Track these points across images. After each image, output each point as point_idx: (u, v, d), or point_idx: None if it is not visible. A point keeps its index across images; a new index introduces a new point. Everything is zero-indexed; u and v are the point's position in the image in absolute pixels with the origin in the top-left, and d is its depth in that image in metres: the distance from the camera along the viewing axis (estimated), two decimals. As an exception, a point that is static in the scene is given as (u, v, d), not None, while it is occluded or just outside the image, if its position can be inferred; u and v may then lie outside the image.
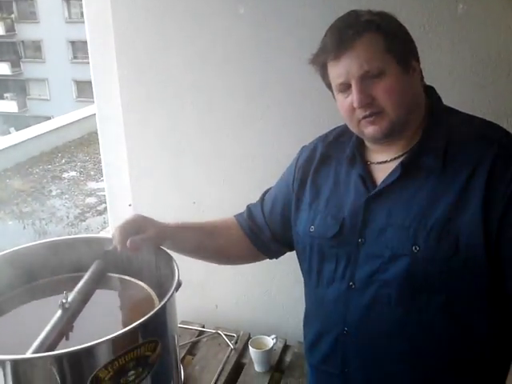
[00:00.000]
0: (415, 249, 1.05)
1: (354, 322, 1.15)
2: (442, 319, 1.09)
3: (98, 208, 5.94)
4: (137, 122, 2.09)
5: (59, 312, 1.04)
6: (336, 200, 1.20)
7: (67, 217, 5.93)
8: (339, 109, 1.15)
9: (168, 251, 1.22)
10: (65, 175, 7.11)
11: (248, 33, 1.85)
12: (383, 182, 1.13)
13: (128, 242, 1.13)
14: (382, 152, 1.16)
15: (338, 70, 1.09)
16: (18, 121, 21.46)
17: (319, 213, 1.22)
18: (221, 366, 1.86)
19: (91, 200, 6.26)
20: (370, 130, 1.10)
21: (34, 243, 1.24)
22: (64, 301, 1.05)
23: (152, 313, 0.96)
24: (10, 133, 17.37)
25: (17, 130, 16.31)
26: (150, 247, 1.20)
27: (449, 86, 1.75)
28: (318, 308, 1.24)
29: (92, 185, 6.73)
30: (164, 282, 1.19)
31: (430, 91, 1.17)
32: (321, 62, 1.14)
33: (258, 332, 2.06)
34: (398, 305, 1.09)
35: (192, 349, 1.99)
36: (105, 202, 5.97)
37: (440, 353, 1.11)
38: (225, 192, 2.06)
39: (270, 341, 1.89)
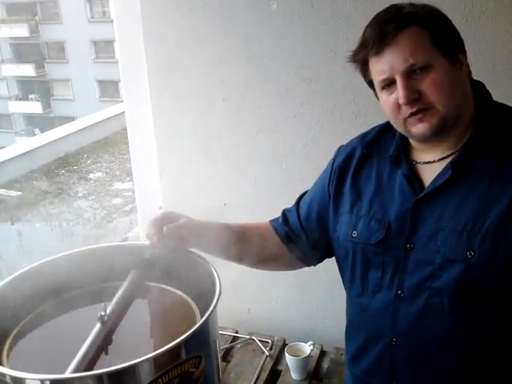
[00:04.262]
0: (470, 254, 0.99)
1: (403, 332, 1.08)
2: (498, 329, 1.02)
3: (125, 209, 5.95)
4: (167, 121, 2.05)
5: (98, 325, 1.00)
6: (380, 203, 1.13)
7: (94, 218, 5.95)
8: (383, 107, 1.09)
9: (205, 257, 1.18)
10: (91, 176, 7.15)
11: (281, 28, 1.79)
12: (432, 183, 1.06)
13: (164, 228, 1.14)
14: (428, 151, 1.09)
15: (381, 66, 1.03)
16: (43, 121, 21.78)
17: (362, 217, 1.15)
18: (256, 374, 1.81)
19: (117, 201, 6.27)
20: (418, 128, 1.03)
21: (68, 252, 1.20)
22: (103, 313, 1.01)
23: (195, 328, 0.92)
24: (34, 134, 17.64)
25: (41, 130, 16.54)
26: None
27: (492, 80, 1.66)
28: (363, 317, 1.17)
29: (118, 185, 6.75)
30: (203, 291, 1.15)
31: (478, 87, 1.10)
32: (361, 59, 1.08)
33: (292, 337, 2.00)
34: (451, 314, 1.02)
35: (226, 355, 1.94)
36: (131, 203, 5.98)
37: (494, 364, 1.05)
38: (256, 193, 2.01)
39: (306, 347, 1.83)
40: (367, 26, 1.07)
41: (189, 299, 1.14)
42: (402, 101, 1.01)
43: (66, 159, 7.18)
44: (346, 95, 1.80)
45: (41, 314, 1.11)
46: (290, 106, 1.86)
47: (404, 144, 1.13)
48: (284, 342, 1.99)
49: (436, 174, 1.06)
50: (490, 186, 1.00)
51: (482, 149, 1.02)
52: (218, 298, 1.00)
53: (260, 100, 1.89)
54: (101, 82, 22.22)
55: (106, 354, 1.00)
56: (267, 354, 1.91)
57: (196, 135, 2.03)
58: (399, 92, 1.01)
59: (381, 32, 1.02)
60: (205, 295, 1.13)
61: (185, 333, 0.92)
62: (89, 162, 7.47)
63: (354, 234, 1.14)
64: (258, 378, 1.80)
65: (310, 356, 1.83)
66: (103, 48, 21.81)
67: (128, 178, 6.87)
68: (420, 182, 1.09)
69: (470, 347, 1.03)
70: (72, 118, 17.40)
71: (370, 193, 1.15)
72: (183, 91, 1.98)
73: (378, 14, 1.07)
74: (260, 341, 1.98)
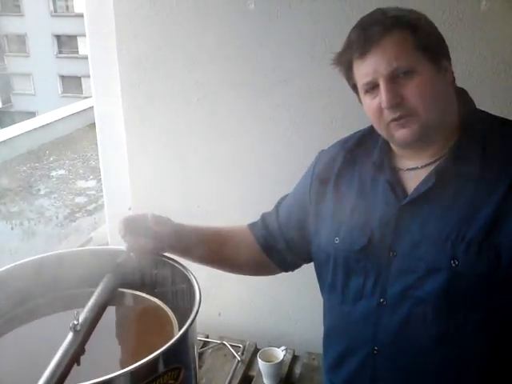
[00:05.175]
0: (454, 263, 0.98)
1: (386, 340, 1.07)
2: (481, 337, 1.01)
3: (88, 208, 5.79)
4: (138, 120, 1.99)
5: (70, 335, 0.94)
6: (362, 209, 1.12)
7: (56, 217, 5.76)
8: (366, 111, 1.08)
9: (181, 262, 1.14)
10: (53, 174, 6.93)
11: (258, 29, 1.76)
12: (416, 190, 1.05)
13: (149, 215, 1.13)
14: (411, 158, 1.08)
15: (365, 69, 1.02)
16: (3, 116, 21.11)
17: (344, 223, 1.13)
18: (228, 379, 1.77)
19: (81, 199, 6.09)
20: (400, 134, 1.02)
21: (37, 257, 1.13)
22: (76, 322, 0.95)
23: (175, 339, 0.88)
24: (-6, 128, 17.03)
25: (1, 125, 16.01)
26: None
27: (468, 87, 1.68)
28: (343, 325, 1.16)
29: (81, 183, 6.56)
30: (180, 298, 1.11)
31: (462, 94, 1.10)
32: (345, 62, 1.07)
33: (264, 341, 1.98)
34: (434, 322, 1.01)
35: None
36: (95, 202, 5.83)
37: (478, 372, 1.04)
38: (231, 195, 1.97)
39: (279, 353, 1.81)
40: (352, 29, 1.06)
41: (165, 307, 1.10)
42: (384, 105, 1.00)
43: (27, 156, 6.94)
44: (322, 98, 1.78)
45: (7, 322, 1.04)
46: (266, 107, 1.84)
47: (387, 150, 1.12)
48: (255, 346, 1.96)
49: (420, 181, 1.05)
50: (474, 193, 1.00)
51: (465, 156, 1.02)
52: (199, 307, 0.96)
53: (235, 101, 1.86)
54: (63, 78, 21.72)
55: (79, 364, 0.94)
56: (239, 358, 1.87)
57: (169, 136, 1.98)
58: (382, 96, 1.00)
59: (365, 35, 1.01)
60: (182, 302, 1.10)
61: (162, 342, 0.88)
62: (51, 159, 7.24)
63: (336, 240, 1.12)
64: (229, 384, 1.77)
65: (282, 361, 1.81)
66: (66, 43, 21.32)
67: (92, 177, 6.70)
68: (403, 188, 1.08)
69: (452, 355, 1.03)
70: (33, 114, 16.93)
71: (352, 199, 1.13)
72: (156, 90, 1.93)
73: (363, 17, 1.05)
74: (231, 345, 1.94)
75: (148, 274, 1.16)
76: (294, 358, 1.93)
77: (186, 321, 0.95)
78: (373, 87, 1.02)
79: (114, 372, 0.80)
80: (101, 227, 4.09)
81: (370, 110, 1.05)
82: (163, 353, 0.85)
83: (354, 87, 1.09)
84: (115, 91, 1.99)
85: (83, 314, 1.00)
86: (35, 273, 1.10)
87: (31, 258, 1.12)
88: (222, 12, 1.77)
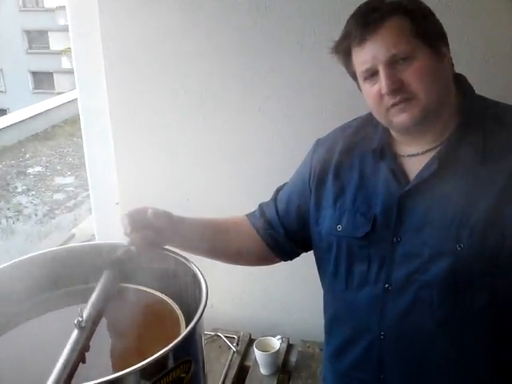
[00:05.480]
0: (459, 247, 0.99)
1: (392, 325, 1.07)
2: (487, 318, 1.03)
3: (68, 204, 5.71)
4: (125, 113, 1.96)
5: (75, 332, 0.92)
6: (364, 196, 1.12)
7: (35, 214, 5.67)
8: (366, 98, 1.08)
9: (186, 256, 1.13)
10: (30, 171, 6.81)
11: (247, 20, 1.74)
12: (418, 175, 1.06)
13: (149, 211, 1.11)
14: (412, 144, 1.09)
15: (364, 56, 1.02)
16: (-28, 114, 20.60)
17: (346, 210, 1.13)
18: (225, 371, 1.77)
19: (59, 196, 6.00)
20: (400, 119, 1.02)
21: (32, 254, 1.11)
22: (80, 319, 0.93)
23: (186, 332, 0.87)
24: (-36, 126, 16.63)
25: (-29, 123, 15.63)
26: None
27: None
28: (348, 312, 1.16)
29: (59, 180, 6.47)
30: (183, 290, 1.10)
31: (460, 80, 1.11)
32: (344, 50, 1.07)
33: (258, 331, 1.98)
34: (440, 305, 1.02)
35: (192, 353, 1.89)
36: (74, 198, 5.76)
37: (484, 354, 1.05)
38: (220, 188, 1.96)
39: (275, 342, 1.81)
40: (350, 17, 1.06)
41: (169, 300, 1.09)
42: (384, 90, 1.00)
43: (2, 153, 6.81)
44: (312, 89, 1.77)
45: (10, 319, 1.02)
46: (256, 98, 1.82)
47: (387, 137, 1.13)
48: (250, 336, 1.97)
49: (421, 167, 1.06)
50: (476, 178, 1.01)
51: (466, 140, 1.03)
52: (207, 298, 0.95)
53: (224, 93, 1.84)
54: (34, 74, 21.27)
55: (84, 362, 0.92)
56: (234, 349, 1.87)
57: (156, 129, 1.95)
58: (382, 81, 1.00)
59: (363, 22, 1.01)
60: (185, 295, 1.09)
61: (168, 336, 0.87)
62: (27, 156, 7.12)
63: (339, 227, 1.13)
64: (226, 375, 1.76)
65: (279, 350, 1.81)
66: (37, 38, 20.86)
67: (69, 173, 6.62)
68: (405, 175, 1.08)
69: (458, 337, 1.04)
70: (4, 110, 16.60)
71: (353, 186, 1.14)
72: (143, 83, 1.89)
73: (361, 5, 1.06)
74: (226, 337, 1.94)
75: (149, 268, 1.14)
76: (290, 347, 1.94)
77: (190, 313, 0.95)
78: (372, 74, 1.03)
79: (126, 368, 0.79)
80: (82, 223, 4.04)
81: (370, 96, 1.05)
82: (176, 346, 0.83)
83: (354, 75, 1.09)
84: (100, 85, 1.95)
85: (86, 310, 0.98)
86: (33, 270, 1.08)
87: (28, 256, 1.10)
88: (210, 4, 1.75)
